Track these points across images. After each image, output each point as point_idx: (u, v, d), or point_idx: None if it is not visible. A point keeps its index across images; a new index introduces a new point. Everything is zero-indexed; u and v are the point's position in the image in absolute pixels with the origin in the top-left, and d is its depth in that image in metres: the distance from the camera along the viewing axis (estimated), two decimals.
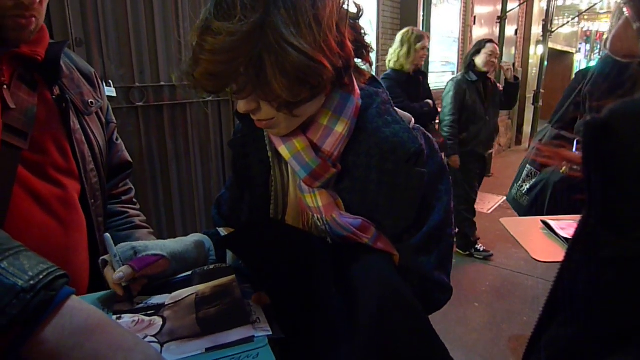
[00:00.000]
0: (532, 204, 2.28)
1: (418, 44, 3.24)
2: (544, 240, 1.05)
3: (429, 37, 3.32)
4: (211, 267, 0.90)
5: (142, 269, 0.78)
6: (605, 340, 0.32)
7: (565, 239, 0.97)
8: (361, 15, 0.79)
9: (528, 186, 2.33)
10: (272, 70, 0.66)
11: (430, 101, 3.35)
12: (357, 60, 0.80)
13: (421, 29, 4.79)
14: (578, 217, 0.38)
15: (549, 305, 0.42)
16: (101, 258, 0.82)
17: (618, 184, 0.32)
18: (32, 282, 0.51)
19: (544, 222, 1.13)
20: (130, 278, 0.77)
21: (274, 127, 0.78)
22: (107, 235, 0.82)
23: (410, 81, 3.28)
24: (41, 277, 0.53)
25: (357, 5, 0.77)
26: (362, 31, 0.79)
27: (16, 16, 0.75)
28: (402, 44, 3.25)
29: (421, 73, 3.41)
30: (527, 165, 2.39)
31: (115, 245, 0.84)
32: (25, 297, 0.50)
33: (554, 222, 1.12)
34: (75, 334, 0.53)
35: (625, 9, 0.39)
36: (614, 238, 0.33)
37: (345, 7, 0.73)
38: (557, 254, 0.96)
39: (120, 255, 0.80)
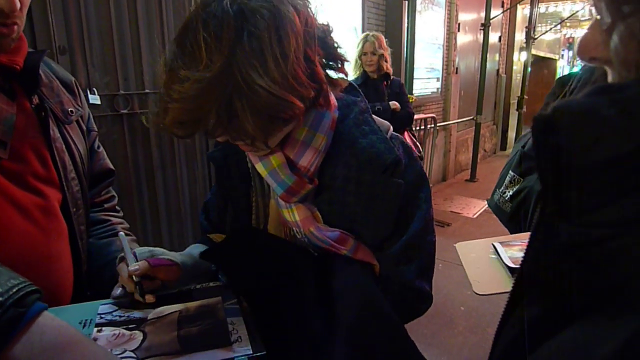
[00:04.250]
0: (516, 211, 2.26)
1: (356, 50, 3.28)
2: (490, 270, 1.07)
3: (373, 42, 3.27)
4: (211, 284, 0.91)
5: (157, 266, 0.81)
6: (564, 318, 0.34)
7: (510, 268, 1.00)
8: (330, 32, 0.78)
9: (511, 193, 2.31)
10: (243, 112, 0.65)
11: (395, 103, 3.34)
12: (331, 72, 0.80)
13: (406, 36, 4.83)
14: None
15: (514, 291, 0.44)
16: (119, 255, 0.85)
17: (565, 174, 0.34)
18: (0, 299, 0.51)
19: (495, 247, 1.15)
20: (144, 272, 0.78)
21: (252, 149, 0.79)
22: (122, 234, 0.85)
23: (368, 84, 3.29)
24: (11, 293, 0.52)
25: (324, 26, 0.77)
26: (335, 44, 0.78)
27: None
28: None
29: (386, 77, 3.41)
30: (510, 172, 2.38)
31: (99, 255, 0.84)
32: None
33: (505, 246, 1.14)
34: (46, 351, 0.52)
35: (593, 8, 0.39)
36: (567, 225, 0.35)
37: (311, 29, 0.72)
38: (499, 284, 0.99)
39: (138, 255, 0.83)
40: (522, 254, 0.41)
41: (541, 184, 0.36)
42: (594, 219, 0.33)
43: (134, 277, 0.79)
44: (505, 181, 2.44)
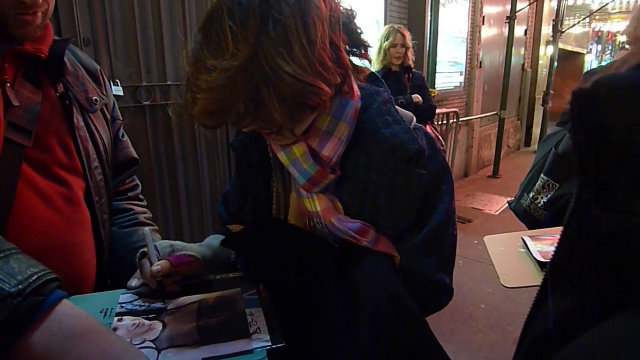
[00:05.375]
0: (553, 221, 1.95)
1: (386, 42, 3.22)
2: (519, 263, 1.05)
3: (403, 34, 3.24)
4: (230, 275, 0.91)
5: (179, 266, 0.80)
6: (600, 310, 0.32)
7: (539, 262, 0.98)
8: (354, 18, 0.78)
9: (545, 199, 2.03)
10: (270, 100, 0.64)
11: (417, 96, 3.30)
12: (355, 58, 0.79)
13: (429, 29, 4.76)
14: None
15: (544, 284, 0.42)
16: (140, 250, 0.84)
17: (606, 155, 0.32)
18: (20, 287, 0.51)
19: (524, 240, 1.13)
20: (166, 272, 0.78)
21: (277, 138, 0.78)
22: (146, 229, 0.84)
23: (390, 77, 3.25)
24: (30, 281, 0.52)
25: (348, 12, 0.76)
26: (359, 30, 0.78)
27: (21, 13, 0.75)
28: (378, 43, 3.26)
29: (408, 70, 3.37)
30: (542, 176, 2.08)
31: (121, 244, 0.83)
32: (12, 302, 0.50)
33: (534, 240, 1.11)
34: (64, 339, 0.52)
35: None
36: (607, 213, 0.33)
37: (335, 14, 0.71)
38: (527, 278, 0.98)
39: (159, 249, 0.83)
40: (552, 248, 0.39)
41: (578, 166, 0.33)
42: (633, 205, 0.31)
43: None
44: (537, 186, 2.09)
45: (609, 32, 13.78)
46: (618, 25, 11.78)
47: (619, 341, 0.30)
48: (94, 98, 0.96)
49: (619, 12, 10.08)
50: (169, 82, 2.37)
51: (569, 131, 2.02)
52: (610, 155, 0.31)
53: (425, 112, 3.36)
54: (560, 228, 0.39)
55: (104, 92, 1.02)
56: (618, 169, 0.31)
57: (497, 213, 5.00)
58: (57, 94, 0.88)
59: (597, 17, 10.97)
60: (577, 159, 0.34)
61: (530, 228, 2.17)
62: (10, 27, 0.75)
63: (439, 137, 3.62)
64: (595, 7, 8.82)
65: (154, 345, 0.67)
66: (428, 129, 3.40)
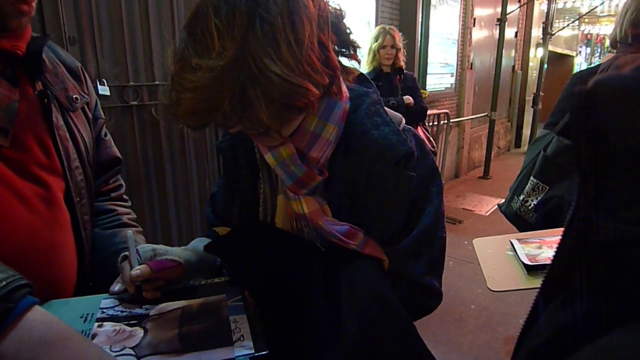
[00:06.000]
0: (544, 223, 1.95)
1: (375, 43, 3.22)
2: (506, 266, 1.06)
3: (393, 35, 3.25)
4: (216, 280, 0.89)
5: (159, 271, 0.78)
6: (599, 324, 0.31)
7: (526, 265, 0.99)
8: (344, 18, 0.77)
9: (535, 202, 2.04)
10: (257, 101, 0.63)
11: (408, 98, 3.30)
12: (344, 59, 0.78)
13: (420, 30, 4.77)
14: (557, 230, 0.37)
15: (542, 292, 0.40)
16: (122, 253, 0.83)
17: (608, 159, 0.30)
18: None
19: (512, 243, 1.13)
20: (146, 277, 0.76)
21: (264, 139, 0.77)
22: (129, 232, 0.83)
23: (381, 78, 3.26)
24: None
25: (337, 11, 0.75)
26: (348, 30, 0.77)
27: (18, 2, 0.74)
28: (368, 44, 3.26)
29: (399, 71, 3.37)
30: (532, 178, 2.10)
31: (103, 245, 0.81)
32: None
33: (522, 243, 1.12)
34: (34, 347, 0.51)
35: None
36: (608, 221, 0.31)
37: (324, 13, 0.70)
38: (513, 282, 1.00)
39: (141, 253, 0.81)
40: (539, 251, 0.38)
41: (577, 171, 0.32)
42: (632, 214, 0.29)
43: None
44: (527, 188, 2.10)
45: (597, 35, 13.94)
46: (606, 28, 11.89)
47: (618, 357, 0.28)
48: (74, 96, 0.94)
49: (607, 15, 10.19)
50: (156, 82, 2.34)
51: (557, 133, 2.05)
52: (612, 159, 0.30)
53: (417, 114, 3.36)
54: (548, 230, 0.37)
55: (85, 91, 0.99)
56: (619, 173, 0.30)
57: (487, 214, 5.02)
58: (36, 92, 0.85)
59: (586, 20, 11.08)
60: (577, 163, 0.32)
61: (521, 230, 2.16)
62: (6, 17, 0.74)
63: (430, 138, 3.62)
64: (584, 10, 8.90)
65: (133, 353, 0.65)
66: (419, 130, 3.41)
